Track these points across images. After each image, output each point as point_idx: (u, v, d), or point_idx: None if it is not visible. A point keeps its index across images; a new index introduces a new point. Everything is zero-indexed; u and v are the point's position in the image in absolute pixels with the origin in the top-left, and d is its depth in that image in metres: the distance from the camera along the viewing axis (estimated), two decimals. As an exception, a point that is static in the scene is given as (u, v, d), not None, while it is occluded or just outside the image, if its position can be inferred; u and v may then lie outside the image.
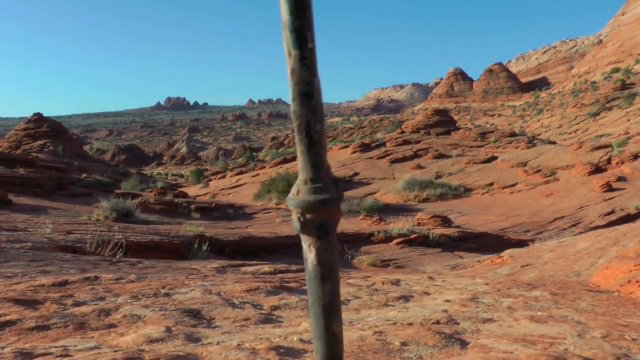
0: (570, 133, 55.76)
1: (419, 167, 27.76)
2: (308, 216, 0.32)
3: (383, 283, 1.47)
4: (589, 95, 68.57)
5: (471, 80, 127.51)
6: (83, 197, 14.75)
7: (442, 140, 33.41)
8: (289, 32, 0.29)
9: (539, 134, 54.24)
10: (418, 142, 33.09)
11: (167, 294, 1.11)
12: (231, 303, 1.01)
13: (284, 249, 9.06)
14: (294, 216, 0.33)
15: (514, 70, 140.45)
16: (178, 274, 1.67)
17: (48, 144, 38.30)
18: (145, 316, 0.87)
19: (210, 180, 35.25)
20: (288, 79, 0.30)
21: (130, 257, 2.97)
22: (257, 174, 30.34)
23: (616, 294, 1.45)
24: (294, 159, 32.19)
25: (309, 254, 0.33)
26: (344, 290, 1.74)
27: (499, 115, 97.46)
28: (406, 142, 32.87)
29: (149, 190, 20.38)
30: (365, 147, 31.70)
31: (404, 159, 29.60)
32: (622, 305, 1.20)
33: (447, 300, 1.21)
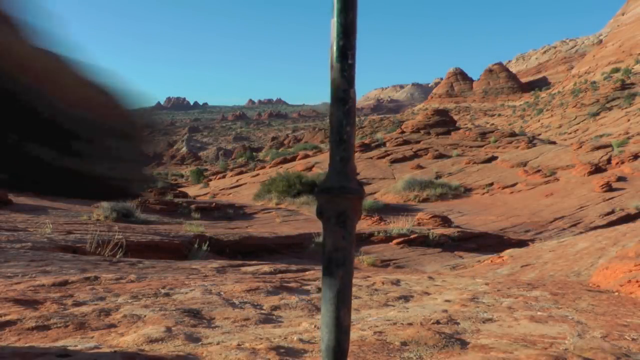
0: (570, 133, 55.75)
1: (419, 167, 27.77)
2: (330, 203, 0.35)
3: (383, 283, 1.47)
4: (589, 95, 68.56)
5: (471, 80, 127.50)
6: (83, 197, 14.73)
7: (442, 140, 33.41)
8: (334, 49, 0.35)
9: (539, 134, 54.23)
10: (418, 142, 33.10)
11: (167, 294, 1.11)
12: (231, 303, 1.01)
13: (284, 249, 9.06)
14: (318, 203, 0.35)
15: (514, 70, 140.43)
16: (178, 274, 1.67)
17: (48, 144, 38.32)
18: (145, 316, 0.87)
19: (210, 180, 35.25)
20: (330, 86, 0.35)
21: (130, 257, 2.98)
22: (257, 174, 30.34)
23: (616, 294, 1.45)
24: (294, 159, 32.19)
25: (327, 240, 0.35)
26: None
27: (499, 115, 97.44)
28: (406, 142, 32.88)
29: (149, 190, 20.38)
30: (365, 147, 31.70)
31: (404, 159, 29.60)
32: (622, 305, 1.20)
33: (447, 300, 1.21)
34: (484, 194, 22.14)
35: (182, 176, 58.02)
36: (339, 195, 0.35)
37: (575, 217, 15.88)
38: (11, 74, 0.64)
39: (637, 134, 36.69)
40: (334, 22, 0.35)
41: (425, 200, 20.68)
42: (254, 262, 2.25)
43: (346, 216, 0.35)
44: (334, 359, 0.34)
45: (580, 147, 26.71)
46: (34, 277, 1.44)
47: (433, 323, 0.92)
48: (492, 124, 77.53)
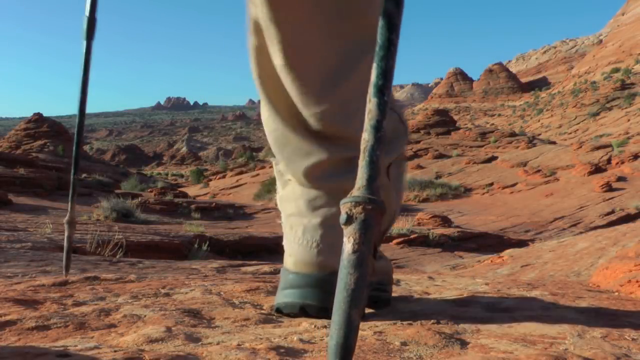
0: (570, 133, 55.78)
1: (419, 167, 27.78)
2: (354, 210, 0.39)
3: (383, 283, 1.48)
4: (589, 95, 68.59)
5: (471, 80, 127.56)
6: (83, 197, 14.77)
7: (442, 140, 33.43)
8: (372, 86, 0.42)
9: (539, 134, 54.25)
10: (418, 142, 33.11)
11: (167, 294, 1.12)
12: (231, 303, 1.02)
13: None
14: (343, 212, 0.40)
15: (514, 70, 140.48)
16: (178, 274, 1.67)
17: (48, 144, 38.30)
18: (145, 316, 0.87)
19: (210, 180, 35.26)
20: (366, 115, 0.42)
21: (130, 257, 2.98)
22: (257, 174, 30.36)
23: (616, 294, 1.45)
24: (294, 159, 32.13)
25: (347, 245, 0.39)
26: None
27: (499, 115, 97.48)
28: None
29: (149, 190, 20.39)
30: (365, 147, 31.64)
31: (404, 159, 29.56)
32: (622, 305, 1.20)
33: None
34: (484, 194, 22.15)
35: (182, 176, 58.04)
36: (364, 205, 0.39)
37: (575, 217, 15.89)
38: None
39: (637, 134, 36.70)
40: (375, 65, 0.42)
41: (425, 200, 20.69)
42: (254, 262, 2.26)
43: (368, 224, 0.39)
44: (342, 355, 0.36)
45: (580, 147, 26.73)
46: (34, 277, 1.44)
47: (433, 323, 0.92)
48: (492, 124, 77.53)
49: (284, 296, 0.96)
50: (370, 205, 0.39)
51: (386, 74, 0.41)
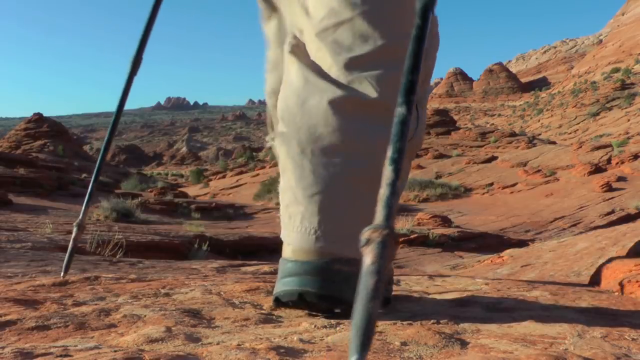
0: (570, 133, 55.79)
1: (419, 167, 27.76)
2: (373, 235, 0.44)
3: (383, 283, 1.48)
4: (589, 95, 68.58)
5: (471, 80, 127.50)
6: (83, 197, 14.75)
7: (442, 140, 33.43)
8: (388, 158, 0.47)
9: (539, 134, 54.25)
10: (418, 142, 33.05)
11: (167, 294, 1.12)
12: (231, 303, 1.02)
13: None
14: (362, 238, 0.45)
15: (514, 70, 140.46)
16: (178, 274, 1.67)
17: (48, 144, 38.29)
18: (145, 316, 0.87)
19: (210, 180, 35.25)
20: (382, 177, 0.47)
21: (130, 257, 2.98)
22: (257, 174, 30.34)
23: (616, 294, 1.45)
24: (294, 159, 32.10)
25: (366, 259, 0.44)
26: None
27: (499, 115, 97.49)
28: (406, 142, 32.82)
29: (149, 190, 20.38)
30: (365, 147, 31.60)
31: (404, 159, 29.55)
32: (622, 305, 1.20)
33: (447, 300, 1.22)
34: (484, 194, 22.15)
35: (182, 176, 57.96)
36: (380, 230, 0.44)
37: (575, 217, 15.89)
38: None
39: (637, 134, 36.69)
40: (391, 146, 0.48)
41: (425, 200, 20.68)
42: (254, 262, 2.26)
43: (384, 245, 0.44)
44: (363, 338, 0.40)
45: (580, 147, 26.72)
46: (34, 277, 1.44)
47: (433, 323, 0.92)
48: (492, 124, 77.48)
49: (283, 285, 0.95)
50: (386, 231, 0.45)
51: (400, 151, 0.48)
